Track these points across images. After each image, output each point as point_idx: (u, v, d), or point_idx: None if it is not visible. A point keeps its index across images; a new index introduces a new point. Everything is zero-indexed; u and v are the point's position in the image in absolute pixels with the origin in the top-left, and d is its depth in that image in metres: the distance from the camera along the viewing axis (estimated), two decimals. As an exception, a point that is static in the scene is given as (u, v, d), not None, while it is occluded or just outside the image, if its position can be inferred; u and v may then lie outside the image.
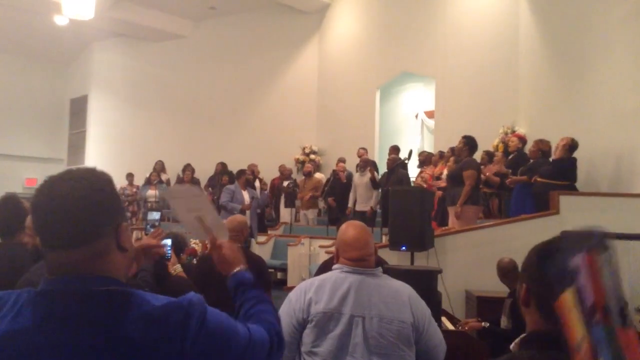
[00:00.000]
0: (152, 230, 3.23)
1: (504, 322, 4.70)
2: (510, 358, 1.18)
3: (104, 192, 1.11)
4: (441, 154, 9.05)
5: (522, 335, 1.23)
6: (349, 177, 10.02)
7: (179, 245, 4.14)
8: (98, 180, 1.11)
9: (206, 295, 1.23)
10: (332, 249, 3.41)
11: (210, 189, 11.31)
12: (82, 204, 1.07)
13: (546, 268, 1.05)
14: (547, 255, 1.23)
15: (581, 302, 0.90)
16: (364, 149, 10.66)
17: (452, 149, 7.77)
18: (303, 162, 12.33)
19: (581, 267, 0.91)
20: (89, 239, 1.08)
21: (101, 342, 1.01)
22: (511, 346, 1.24)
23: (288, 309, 2.15)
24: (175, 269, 3.42)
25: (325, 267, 3.53)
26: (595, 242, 0.92)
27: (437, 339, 2.26)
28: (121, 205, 1.18)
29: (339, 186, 9.76)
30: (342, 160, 10.59)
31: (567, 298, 0.93)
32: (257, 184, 10.59)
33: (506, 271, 4.54)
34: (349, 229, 2.31)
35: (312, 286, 2.17)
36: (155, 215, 8.19)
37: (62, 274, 1.07)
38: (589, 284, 0.90)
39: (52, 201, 1.06)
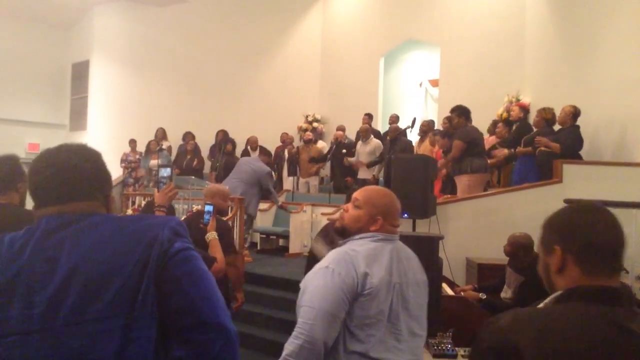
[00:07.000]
0: (162, 186, 3.32)
1: (506, 292, 4.72)
2: (548, 312, 1.10)
3: (90, 162, 1.33)
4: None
5: (557, 293, 1.17)
6: (350, 145, 9.95)
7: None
8: (89, 154, 1.35)
9: None
10: (336, 215, 3.36)
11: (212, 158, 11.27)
12: (73, 171, 1.30)
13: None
14: (583, 210, 1.22)
15: None
16: (368, 115, 10.56)
17: (448, 119, 7.58)
18: (306, 130, 12.27)
19: None
20: (78, 198, 1.29)
21: (102, 257, 1.19)
22: (541, 305, 1.19)
23: (340, 283, 1.96)
24: (208, 237, 3.46)
25: (326, 232, 3.54)
26: None
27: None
28: (109, 179, 1.39)
29: (340, 154, 9.74)
30: (341, 129, 10.52)
31: None
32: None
33: (520, 244, 4.53)
34: (386, 193, 2.24)
35: (358, 258, 2.02)
36: (164, 172, 8.19)
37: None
38: None
39: (48, 168, 1.29)
